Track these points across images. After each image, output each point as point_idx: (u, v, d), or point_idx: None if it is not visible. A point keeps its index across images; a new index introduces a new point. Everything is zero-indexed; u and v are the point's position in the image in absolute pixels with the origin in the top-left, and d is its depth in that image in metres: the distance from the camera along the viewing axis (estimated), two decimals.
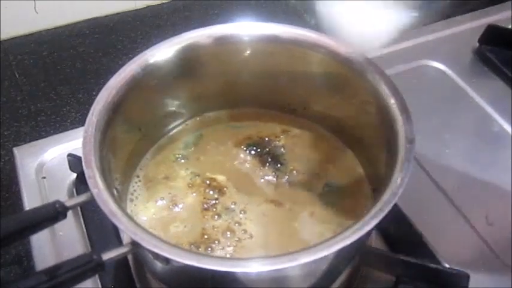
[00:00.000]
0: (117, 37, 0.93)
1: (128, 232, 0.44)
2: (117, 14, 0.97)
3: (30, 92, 0.84)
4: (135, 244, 0.44)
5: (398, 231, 0.61)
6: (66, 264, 0.43)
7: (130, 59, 0.88)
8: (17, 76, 0.86)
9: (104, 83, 0.84)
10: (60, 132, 0.76)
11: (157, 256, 0.44)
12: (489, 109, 0.77)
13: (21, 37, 0.92)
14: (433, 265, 0.57)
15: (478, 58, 0.84)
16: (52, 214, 0.46)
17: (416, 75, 0.81)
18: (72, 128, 0.77)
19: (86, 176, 0.46)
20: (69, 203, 0.47)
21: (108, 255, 0.44)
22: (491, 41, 0.84)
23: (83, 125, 0.75)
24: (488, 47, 0.84)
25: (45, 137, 0.75)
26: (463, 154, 0.72)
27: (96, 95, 0.82)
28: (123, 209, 0.46)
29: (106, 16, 0.96)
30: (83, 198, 0.47)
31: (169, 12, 0.98)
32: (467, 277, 0.56)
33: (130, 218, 0.45)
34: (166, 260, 0.44)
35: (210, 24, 0.59)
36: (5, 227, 0.44)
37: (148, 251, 0.44)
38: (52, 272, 0.42)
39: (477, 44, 0.85)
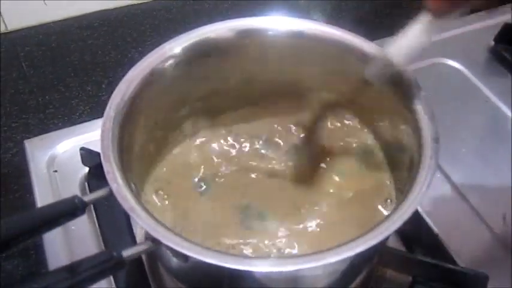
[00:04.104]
0: (127, 30, 0.92)
1: (148, 229, 0.42)
2: (127, 6, 0.96)
3: (38, 84, 0.82)
4: (155, 241, 0.43)
5: (415, 231, 0.61)
6: (85, 262, 0.42)
7: (139, 52, 0.88)
8: (25, 68, 0.85)
9: (112, 76, 0.84)
10: (68, 124, 0.75)
11: (176, 254, 0.44)
12: (505, 108, 0.77)
13: (30, 28, 0.91)
14: (450, 265, 0.57)
15: (493, 57, 0.84)
16: (71, 209, 0.45)
17: (432, 73, 0.81)
18: (80, 121, 0.76)
19: (105, 171, 0.45)
20: (87, 198, 0.46)
21: (128, 253, 0.43)
22: (507, 40, 0.83)
23: (91, 117, 0.75)
24: (504, 46, 0.83)
25: (53, 129, 0.74)
26: (479, 153, 0.71)
27: (105, 88, 0.82)
28: (143, 205, 0.45)
29: (116, 8, 0.95)
30: (101, 193, 0.46)
31: (179, 5, 0.97)
32: (486, 278, 0.55)
33: (150, 214, 0.44)
34: (186, 258, 0.44)
35: (221, 18, 0.57)
36: (22, 222, 0.43)
37: (168, 249, 0.43)
38: (70, 270, 0.41)
39: (493, 43, 0.85)
